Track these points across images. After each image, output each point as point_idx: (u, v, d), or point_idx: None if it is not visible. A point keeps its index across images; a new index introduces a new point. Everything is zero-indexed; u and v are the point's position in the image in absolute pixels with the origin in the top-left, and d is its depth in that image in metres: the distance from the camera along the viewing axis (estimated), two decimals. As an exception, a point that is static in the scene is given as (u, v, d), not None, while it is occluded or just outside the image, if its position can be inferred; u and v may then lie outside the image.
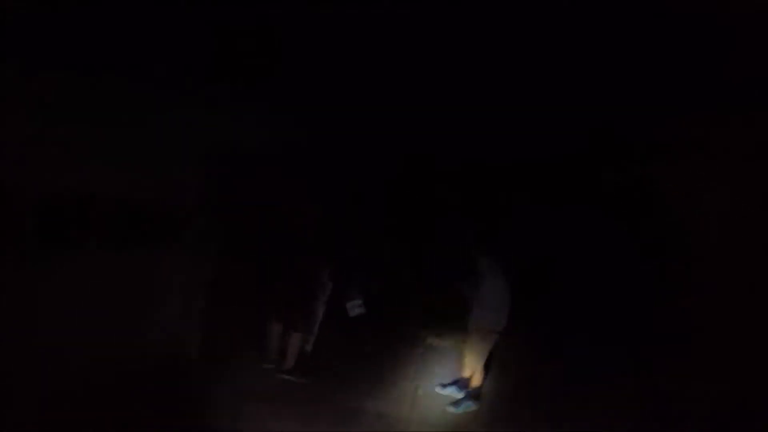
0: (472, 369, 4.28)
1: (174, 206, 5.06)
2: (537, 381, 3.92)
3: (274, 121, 5.41)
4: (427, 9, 4.33)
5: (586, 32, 4.54)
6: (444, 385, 4.52)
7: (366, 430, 3.76)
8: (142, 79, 4.37)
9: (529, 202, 5.59)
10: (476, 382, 4.30)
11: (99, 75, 4.09)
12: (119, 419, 3.25)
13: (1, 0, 3.47)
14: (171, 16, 4.10)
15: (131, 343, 4.01)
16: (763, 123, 4.86)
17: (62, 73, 3.87)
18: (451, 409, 4.26)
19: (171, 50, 4.36)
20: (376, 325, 4.83)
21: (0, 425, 3.15)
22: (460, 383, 4.41)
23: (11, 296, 4.30)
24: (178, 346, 4.13)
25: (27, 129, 3.75)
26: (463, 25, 4.55)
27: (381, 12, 4.31)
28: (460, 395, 4.35)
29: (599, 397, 3.59)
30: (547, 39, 4.62)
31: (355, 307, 4.58)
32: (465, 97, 5.44)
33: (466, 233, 5.13)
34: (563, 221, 5.40)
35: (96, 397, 3.45)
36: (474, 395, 4.30)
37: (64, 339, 4.00)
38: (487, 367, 4.32)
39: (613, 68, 4.91)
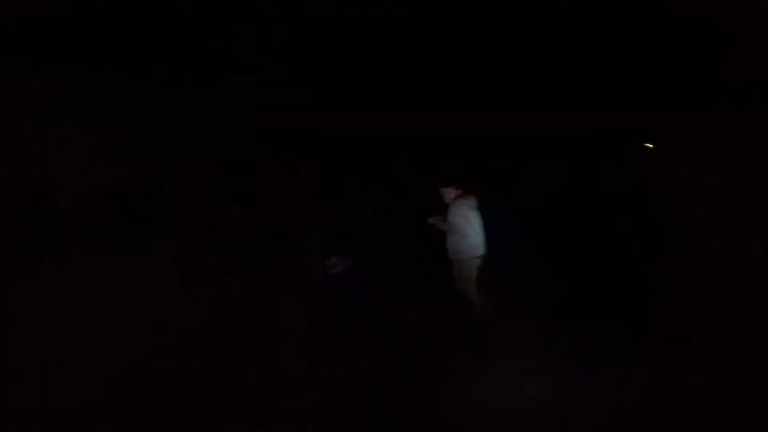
0: (463, 295, 4.39)
1: (173, 205, 5.06)
2: (536, 381, 3.92)
3: (273, 121, 5.41)
4: (428, 10, 4.33)
5: (586, 32, 4.54)
6: None
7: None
8: (142, 79, 4.37)
9: (529, 201, 5.59)
10: (469, 306, 4.37)
11: (99, 75, 4.09)
12: (119, 419, 3.24)
13: (1, 0, 3.48)
14: (171, 16, 4.11)
15: (130, 342, 4.01)
16: (763, 123, 4.86)
17: (62, 73, 3.87)
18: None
19: (171, 50, 4.36)
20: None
21: (0, 425, 3.15)
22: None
23: (10, 296, 4.30)
24: (177, 344, 4.13)
25: (27, 129, 3.75)
26: (464, 27, 4.55)
27: (381, 12, 4.31)
28: None
29: (599, 397, 3.59)
30: (547, 39, 4.62)
31: (335, 265, 4.68)
32: (465, 97, 5.44)
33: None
34: (563, 221, 5.39)
35: (96, 398, 3.45)
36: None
37: (63, 338, 4.00)
38: (480, 292, 4.40)
39: (613, 68, 4.92)
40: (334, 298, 4.78)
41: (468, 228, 4.33)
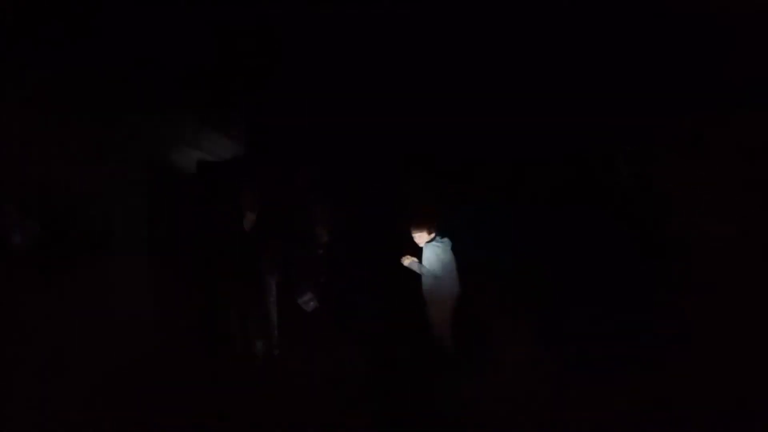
0: (440, 335, 4.38)
1: (173, 206, 5.06)
2: (535, 382, 3.92)
3: (273, 121, 5.41)
4: (428, 10, 4.33)
5: (586, 32, 4.55)
6: None
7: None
8: (142, 79, 4.37)
9: (528, 202, 5.59)
10: (447, 345, 4.37)
11: (98, 75, 4.09)
12: (119, 419, 3.25)
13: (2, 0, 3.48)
14: (171, 16, 4.11)
15: (130, 342, 4.02)
16: (763, 123, 4.86)
17: (61, 73, 3.87)
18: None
19: (171, 50, 4.37)
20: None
21: (0, 425, 3.16)
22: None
23: (9, 296, 4.30)
24: (176, 344, 4.14)
25: (24, 128, 3.75)
26: (463, 27, 4.55)
27: (381, 12, 4.31)
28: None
29: (598, 397, 3.59)
30: (547, 37, 4.62)
31: (308, 302, 4.69)
32: (465, 96, 5.44)
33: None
34: (563, 221, 5.39)
35: (96, 397, 3.46)
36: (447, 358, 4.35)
37: (63, 339, 4.01)
38: (459, 331, 4.40)
39: (613, 68, 4.92)
40: (334, 298, 4.78)
41: (442, 271, 4.34)
